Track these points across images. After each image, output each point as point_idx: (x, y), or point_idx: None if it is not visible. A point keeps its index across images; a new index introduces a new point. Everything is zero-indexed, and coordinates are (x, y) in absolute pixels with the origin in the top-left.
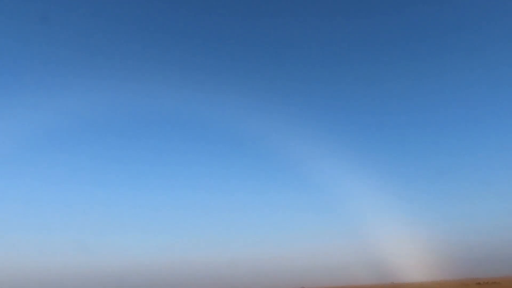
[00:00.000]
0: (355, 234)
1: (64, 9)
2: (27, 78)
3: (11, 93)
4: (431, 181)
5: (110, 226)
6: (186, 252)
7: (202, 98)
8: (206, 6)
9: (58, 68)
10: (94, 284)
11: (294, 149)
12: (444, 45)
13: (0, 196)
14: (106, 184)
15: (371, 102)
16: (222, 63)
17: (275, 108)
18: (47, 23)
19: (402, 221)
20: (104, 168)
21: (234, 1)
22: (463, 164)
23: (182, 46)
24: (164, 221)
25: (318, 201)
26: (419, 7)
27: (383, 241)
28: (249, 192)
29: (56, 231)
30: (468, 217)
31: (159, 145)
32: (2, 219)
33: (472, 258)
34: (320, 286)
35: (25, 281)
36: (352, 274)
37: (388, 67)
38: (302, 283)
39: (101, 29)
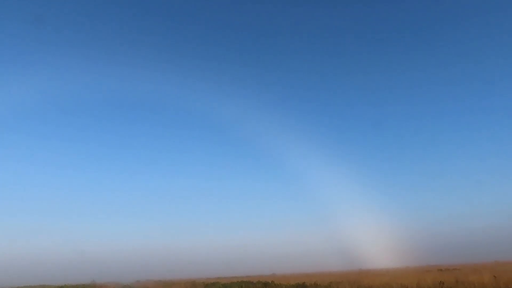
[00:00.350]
0: (325, 222)
1: None
2: None
3: None
4: (398, 172)
5: (78, 209)
6: (158, 239)
7: (178, 82)
8: None
9: (27, 45)
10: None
11: (267, 136)
12: (424, 38)
13: None
14: (77, 167)
15: (345, 93)
16: (204, 48)
17: (250, 94)
18: None
19: (370, 210)
20: (75, 151)
21: None
22: (428, 156)
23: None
24: (134, 207)
25: (290, 189)
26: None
27: (352, 229)
28: (220, 179)
29: (20, 214)
30: (431, 207)
31: (134, 129)
32: None
33: (434, 246)
34: (291, 272)
35: None
36: (322, 261)
37: (365, 58)
38: (273, 269)
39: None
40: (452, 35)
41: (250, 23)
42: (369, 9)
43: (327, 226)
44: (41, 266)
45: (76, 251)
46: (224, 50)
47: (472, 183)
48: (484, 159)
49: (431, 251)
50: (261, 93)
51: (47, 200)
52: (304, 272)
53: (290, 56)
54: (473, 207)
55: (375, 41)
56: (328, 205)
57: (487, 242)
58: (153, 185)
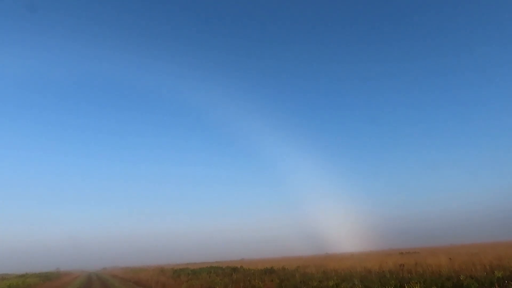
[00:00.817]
0: (294, 208)
1: None
2: None
3: None
4: (364, 159)
5: (41, 196)
6: (125, 225)
7: (150, 66)
8: None
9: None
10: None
11: (238, 123)
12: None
13: None
14: (42, 151)
15: (317, 82)
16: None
17: (221, 79)
18: None
19: (337, 196)
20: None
21: None
22: (393, 145)
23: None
24: (100, 194)
25: (259, 176)
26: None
27: (319, 215)
28: (190, 165)
29: None
30: (395, 194)
31: (99, 111)
32: None
33: (397, 231)
34: (260, 258)
35: None
36: (290, 246)
37: (338, 46)
38: (242, 255)
39: None
40: (446, 24)
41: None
42: None
43: (295, 212)
44: (1, 255)
45: (40, 239)
46: (199, 34)
47: (432, 171)
48: (444, 149)
49: (393, 235)
50: (232, 79)
51: (6, 186)
52: (272, 257)
53: (267, 45)
54: (433, 193)
55: (350, 30)
56: (297, 192)
57: (445, 227)
58: (120, 171)
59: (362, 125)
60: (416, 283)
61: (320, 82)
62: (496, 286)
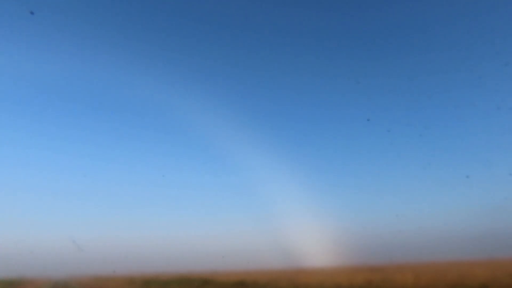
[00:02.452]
0: (266, 219)
1: None
2: None
3: None
4: (338, 173)
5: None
6: (93, 232)
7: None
8: None
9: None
10: None
11: (207, 127)
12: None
13: None
14: None
15: (288, 91)
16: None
17: (187, 80)
18: None
19: (310, 210)
20: None
21: None
22: (367, 159)
23: None
24: (66, 197)
25: (231, 185)
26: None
27: (292, 228)
28: (158, 170)
29: None
30: (364, 209)
31: (39, 108)
32: None
33: (369, 246)
34: (231, 269)
35: None
36: (262, 258)
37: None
38: (213, 266)
39: None
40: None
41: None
42: None
43: (268, 224)
44: None
45: (2, 244)
46: (157, 32)
47: (407, 187)
48: (420, 166)
49: (363, 250)
50: (198, 82)
51: None
52: (244, 269)
53: (235, 46)
54: (407, 210)
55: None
56: (270, 203)
57: (414, 244)
58: (88, 175)
59: (338, 139)
60: None
61: (294, 93)
62: None
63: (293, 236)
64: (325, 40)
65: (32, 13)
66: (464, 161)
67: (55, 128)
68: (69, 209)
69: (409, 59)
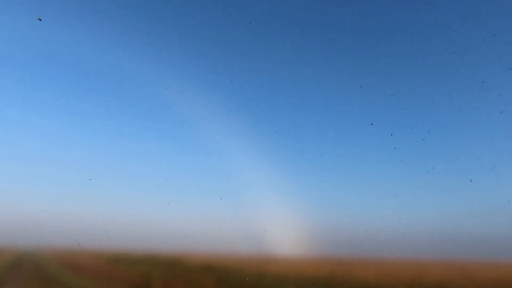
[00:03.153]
0: (237, 205)
1: None
2: None
3: None
4: (314, 166)
5: None
6: (62, 203)
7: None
8: None
9: None
10: None
11: (184, 105)
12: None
13: None
14: None
15: (275, 80)
16: None
17: (166, 57)
18: None
19: (283, 200)
20: None
21: None
22: (346, 154)
23: None
24: (36, 167)
25: (203, 166)
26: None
27: (263, 216)
28: (129, 145)
29: None
30: (335, 202)
31: None
32: None
33: (338, 239)
34: (199, 251)
35: None
36: (231, 242)
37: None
38: (182, 247)
39: None
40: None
41: None
42: None
43: (239, 209)
44: None
45: None
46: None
47: (384, 187)
48: (394, 164)
49: (331, 242)
50: (172, 55)
51: None
52: (213, 252)
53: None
54: (373, 207)
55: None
56: (243, 189)
57: (380, 240)
58: (58, 146)
59: (312, 130)
60: None
61: (274, 83)
62: None
63: (264, 223)
64: (328, 38)
65: (40, 19)
66: (467, 165)
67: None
68: (38, 180)
69: (412, 63)
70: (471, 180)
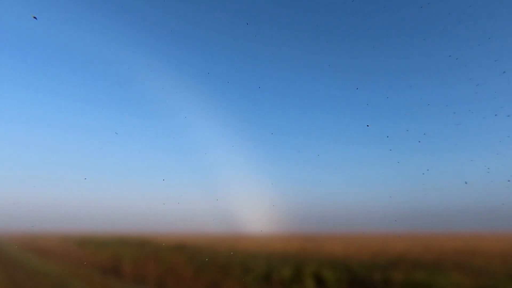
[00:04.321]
0: (206, 182)
1: None
2: None
3: None
4: (285, 145)
5: None
6: (26, 187)
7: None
8: None
9: None
10: None
11: (154, 84)
12: None
13: None
14: None
15: (244, 54)
16: None
17: (135, 36)
18: None
19: (254, 179)
20: None
21: None
22: (317, 134)
23: None
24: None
25: (175, 147)
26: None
27: (235, 194)
28: (99, 125)
29: None
30: (303, 181)
31: None
32: None
33: (307, 216)
34: (171, 231)
35: None
36: (202, 221)
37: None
38: (153, 227)
39: None
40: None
41: None
42: None
43: (209, 188)
44: None
45: None
46: None
47: (353, 165)
48: (363, 146)
49: (300, 220)
50: (142, 34)
51: None
52: (184, 231)
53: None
54: (349, 186)
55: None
56: (214, 168)
57: (347, 216)
58: (22, 124)
59: (281, 109)
60: (312, 264)
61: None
62: (377, 271)
63: (234, 202)
64: (325, 40)
65: (35, 18)
66: (462, 167)
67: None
68: (2, 163)
69: (408, 66)
70: (509, 181)
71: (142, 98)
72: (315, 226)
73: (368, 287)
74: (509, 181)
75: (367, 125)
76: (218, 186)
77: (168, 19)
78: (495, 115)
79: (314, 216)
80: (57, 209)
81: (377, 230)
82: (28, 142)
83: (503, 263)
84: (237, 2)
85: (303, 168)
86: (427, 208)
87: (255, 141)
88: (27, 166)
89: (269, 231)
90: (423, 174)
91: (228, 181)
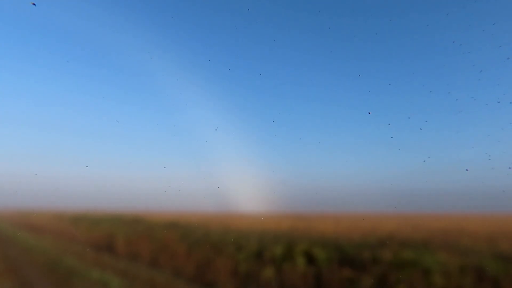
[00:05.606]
0: (200, 162)
1: None
2: None
3: None
4: (279, 124)
5: None
6: (22, 165)
7: None
8: None
9: None
10: None
11: (148, 61)
12: None
13: None
14: None
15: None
16: None
17: (131, 14)
18: None
19: (247, 159)
20: None
21: None
22: (304, 117)
23: None
24: None
25: (169, 125)
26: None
27: (228, 174)
28: (90, 99)
29: None
30: (295, 160)
31: None
32: None
33: (294, 195)
34: (164, 209)
35: None
36: (195, 200)
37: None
38: (146, 205)
39: None
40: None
41: None
42: None
43: (202, 167)
44: None
45: None
46: None
47: (344, 145)
48: (353, 122)
49: (291, 199)
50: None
51: None
52: (176, 210)
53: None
54: (331, 167)
55: None
56: (208, 147)
57: (338, 196)
58: (20, 106)
59: (274, 88)
60: (303, 242)
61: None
62: (368, 250)
63: (226, 181)
64: (327, 26)
65: (34, 4)
66: (464, 154)
67: None
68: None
69: (410, 52)
70: (510, 168)
71: (141, 87)
72: (307, 206)
73: (357, 265)
74: (510, 168)
75: (369, 112)
76: (211, 165)
77: (169, 5)
78: (498, 102)
79: (306, 196)
80: (51, 186)
81: (367, 210)
82: (23, 119)
83: (488, 243)
84: None
85: (297, 148)
86: (416, 189)
87: (249, 121)
88: (22, 143)
89: (261, 211)
90: (424, 161)
91: (222, 160)
